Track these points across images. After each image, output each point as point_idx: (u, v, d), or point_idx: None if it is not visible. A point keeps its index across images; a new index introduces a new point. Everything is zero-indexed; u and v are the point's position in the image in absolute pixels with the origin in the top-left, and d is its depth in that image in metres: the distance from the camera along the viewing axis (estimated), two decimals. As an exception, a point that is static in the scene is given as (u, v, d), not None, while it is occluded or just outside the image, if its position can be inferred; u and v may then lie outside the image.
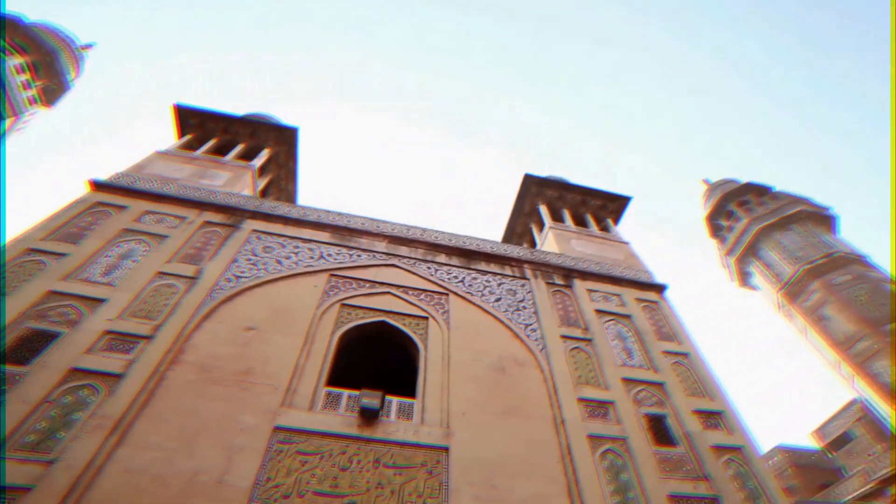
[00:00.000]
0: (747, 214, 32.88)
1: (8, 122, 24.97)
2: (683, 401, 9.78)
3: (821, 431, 27.83)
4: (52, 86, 26.93)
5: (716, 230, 35.64)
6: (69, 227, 10.13)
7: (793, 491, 24.66)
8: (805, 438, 28.44)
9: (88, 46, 28.79)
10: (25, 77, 25.12)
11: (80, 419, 6.65)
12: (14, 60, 24.18)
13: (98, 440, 6.40)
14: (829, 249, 28.26)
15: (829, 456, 26.69)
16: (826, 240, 29.33)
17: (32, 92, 25.96)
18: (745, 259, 32.65)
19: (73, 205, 10.70)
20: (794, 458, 26.58)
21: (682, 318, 12.60)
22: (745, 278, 33.76)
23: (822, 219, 31.04)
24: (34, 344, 7.57)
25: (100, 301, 8.54)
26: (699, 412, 9.62)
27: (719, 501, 7.93)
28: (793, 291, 28.29)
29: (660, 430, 9.11)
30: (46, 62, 25.95)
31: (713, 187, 36.56)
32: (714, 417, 9.64)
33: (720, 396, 10.15)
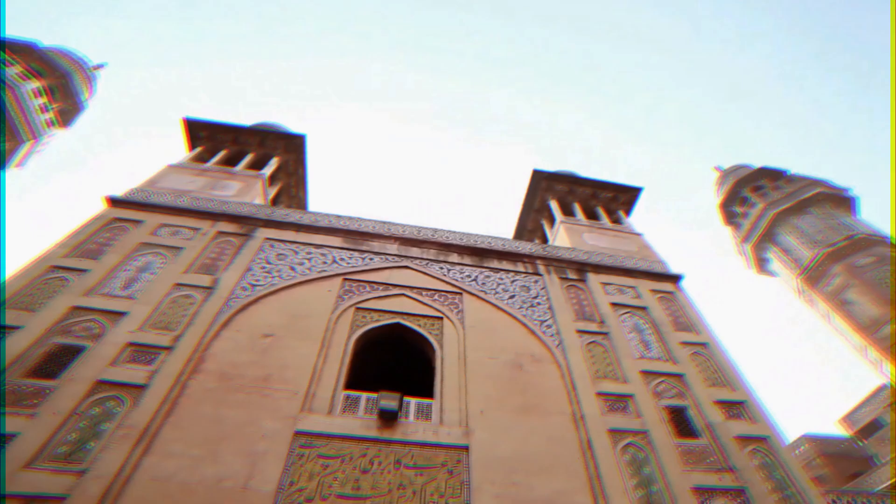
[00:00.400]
0: (762, 200, 32.24)
1: (28, 145, 25.70)
2: (704, 391, 9.65)
3: (849, 419, 27.16)
4: (68, 107, 27.65)
5: (730, 217, 35.02)
6: (89, 243, 10.39)
7: (823, 480, 24.10)
8: (833, 426, 27.79)
9: (100, 66, 29.47)
10: (42, 100, 25.84)
11: (108, 430, 6.83)
12: (31, 85, 24.89)
13: (126, 449, 6.56)
14: (849, 231, 27.56)
15: (860, 444, 26.03)
16: (846, 222, 28.62)
17: (50, 115, 26.68)
18: (761, 245, 32.02)
19: (91, 221, 10.98)
20: (823, 447, 25.96)
21: (700, 308, 12.45)
22: (762, 265, 33.11)
23: (842, 200, 30.28)
24: (61, 358, 7.79)
25: (121, 314, 8.76)
26: (721, 402, 9.48)
27: (746, 493, 7.80)
28: (813, 276, 27.67)
29: (681, 422, 9.01)
30: (61, 85, 26.66)
31: (725, 174, 35.94)
32: (736, 407, 9.49)
33: (742, 386, 9.99)
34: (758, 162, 34.84)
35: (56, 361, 7.73)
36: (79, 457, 6.43)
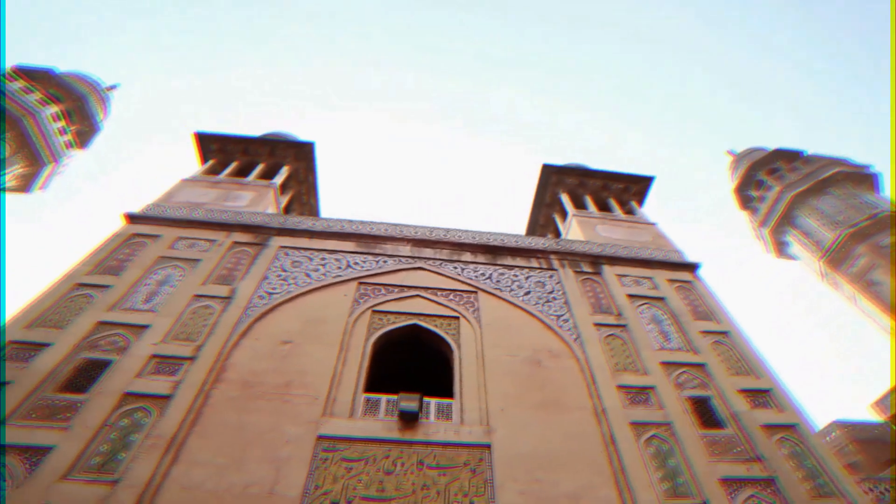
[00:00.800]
0: (778, 182, 31.49)
1: (49, 167, 26.51)
2: (727, 381, 9.49)
3: (882, 403, 26.35)
4: (85, 129, 28.42)
5: (746, 202, 34.29)
6: (110, 259, 10.66)
7: (857, 468, 23.44)
8: (865, 411, 26.95)
9: (113, 87, 30.24)
10: (61, 124, 26.62)
11: (137, 440, 7.01)
12: (50, 109, 25.69)
13: (155, 459, 6.73)
14: (872, 210, 26.75)
15: (894, 428, 25.25)
16: (869, 200, 27.79)
17: (68, 137, 27.47)
18: (780, 229, 31.29)
19: (112, 238, 11.26)
20: (855, 433, 25.20)
21: (719, 296, 12.22)
22: (781, 249, 32.35)
23: (863, 178, 29.39)
24: (90, 372, 8.03)
25: (144, 327, 8.97)
26: (745, 391, 9.31)
27: (776, 482, 7.65)
28: (836, 258, 26.94)
29: (705, 412, 8.87)
30: (78, 108, 27.45)
31: (739, 158, 35.21)
32: (762, 396, 9.31)
33: (766, 374, 9.79)
34: (771, 146, 33.93)
35: (85, 376, 7.96)
36: (111, 467, 6.62)
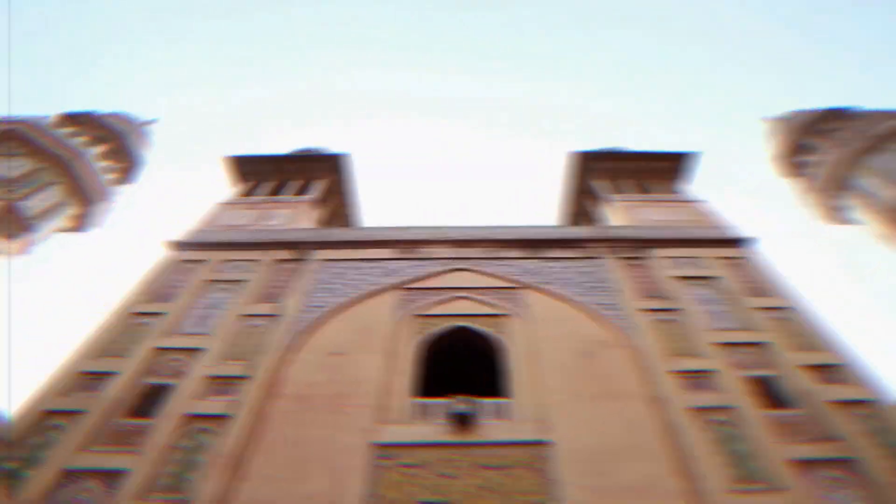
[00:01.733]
0: (828, 143, 29.37)
1: (101, 206, 28.18)
2: (792, 358, 8.96)
3: (969, 369, 24.17)
4: (129, 164, 30.00)
5: (793, 168, 32.27)
6: (161, 287, 11.13)
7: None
8: (950, 379, 24.75)
9: (150, 122, 31.77)
10: (107, 163, 28.22)
11: (202, 460, 7.28)
12: (96, 150, 27.29)
13: (220, 477, 6.98)
14: (940, 162, 24.54)
15: None
16: (935, 152, 25.51)
17: (115, 174, 29.05)
18: (834, 193, 29.21)
19: (161, 267, 11.77)
20: (941, 403, 23.22)
21: (777, 271, 11.50)
22: (838, 214, 30.22)
23: (926, 129, 26.99)
24: (153, 397, 8.42)
25: (198, 350, 9.33)
26: (813, 368, 8.76)
27: (855, 462, 7.12)
28: (903, 217, 24.90)
29: (769, 392, 8.41)
30: (121, 145, 29.03)
31: (781, 122, 33.18)
32: (832, 371, 8.72)
33: (836, 348, 9.17)
34: (815, 105, 31.66)
35: (149, 400, 8.36)
36: (181, 487, 6.91)
